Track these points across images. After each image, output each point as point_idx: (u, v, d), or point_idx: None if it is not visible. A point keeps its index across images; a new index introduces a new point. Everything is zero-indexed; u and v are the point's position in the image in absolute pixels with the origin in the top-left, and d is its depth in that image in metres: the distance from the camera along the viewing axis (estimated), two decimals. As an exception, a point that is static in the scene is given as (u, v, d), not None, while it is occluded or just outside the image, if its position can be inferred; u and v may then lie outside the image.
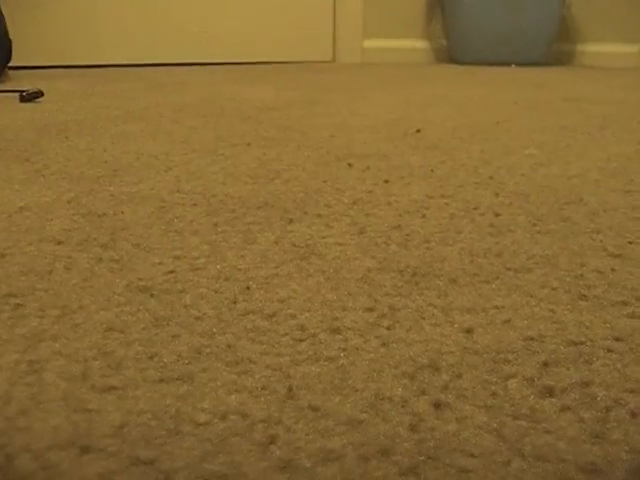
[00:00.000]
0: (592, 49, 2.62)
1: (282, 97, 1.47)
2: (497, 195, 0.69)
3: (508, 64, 2.41)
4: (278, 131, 1.04)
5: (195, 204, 0.65)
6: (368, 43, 2.52)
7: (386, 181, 0.72)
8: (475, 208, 0.64)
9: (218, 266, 0.49)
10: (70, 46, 2.39)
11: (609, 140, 1.02)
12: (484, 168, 0.81)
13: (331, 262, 0.50)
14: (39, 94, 1.46)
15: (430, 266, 0.50)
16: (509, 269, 0.50)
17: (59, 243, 0.56)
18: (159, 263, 0.50)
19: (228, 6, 2.44)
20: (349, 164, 0.81)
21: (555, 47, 2.53)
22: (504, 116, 1.24)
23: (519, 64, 2.41)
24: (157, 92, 1.60)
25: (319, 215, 0.61)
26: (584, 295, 0.46)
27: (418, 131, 1.04)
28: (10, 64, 1.98)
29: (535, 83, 1.91)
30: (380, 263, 0.50)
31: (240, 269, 0.49)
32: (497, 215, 0.63)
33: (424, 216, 0.61)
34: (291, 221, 0.59)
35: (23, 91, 1.45)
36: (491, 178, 0.75)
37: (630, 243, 0.56)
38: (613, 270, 0.50)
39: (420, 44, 2.58)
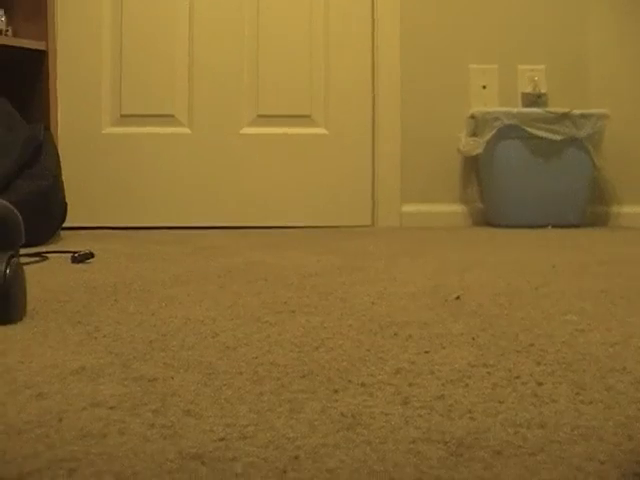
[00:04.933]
0: (626, 210, 2.67)
1: (323, 263, 1.51)
2: (539, 364, 0.70)
3: (544, 226, 2.45)
4: (321, 298, 1.07)
5: (242, 372, 0.66)
6: (406, 207, 2.59)
7: (427, 351, 0.74)
8: (517, 377, 0.65)
9: (267, 434, 0.51)
10: (117, 209, 2.51)
11: (649, 305, 1.03)
12: (525, 335, 0.82)
13: (377, 432, 0.51)
14: (89, 255, 1.53)
15: (475, 437, 0.50)
16: (553, 441, 0.50)
17: (112, 407, 0.57)
18: (210, 430, 0.52)
19: (266, 171, 2.56)
20: (391, 333, 0.83)
21: (590, 209, 2.59)
22: (542, 280, 1.26)
23: (555, 226, 2.46)
24: (200, 256, 1.66)
25: (363, 384, 0.62)
26: (637, 473, 0.46)
27: (458, 298, 1.06)
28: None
29: (572, 245, 1.95)
30: (424, 434, 0.51)
31: (287, 438, 0.50)
32: (539, 384, 0.63)
33: (467, 385, 0.62)
34: (336, 390, 0.61)
35: (75, 252, 1.52)
36: (532, 346, 0.76)
37: (678, 414, 0.56)
38: (662, 442, 0.50)
39: (457, 208, 2.65)
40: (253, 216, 2.53)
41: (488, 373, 0.66)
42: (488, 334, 0.83)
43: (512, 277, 1.30)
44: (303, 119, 2.58)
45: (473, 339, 0.80)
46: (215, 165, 2.54)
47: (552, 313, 0.96)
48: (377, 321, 0.90)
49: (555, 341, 0.79)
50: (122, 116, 2.53)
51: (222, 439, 0.50)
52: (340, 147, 2.58)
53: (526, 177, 2.50)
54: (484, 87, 2.68)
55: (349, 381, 0.64)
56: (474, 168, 2.65)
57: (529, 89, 2.67)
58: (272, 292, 1.14)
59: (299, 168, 2.57)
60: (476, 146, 2.50)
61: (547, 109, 2.52)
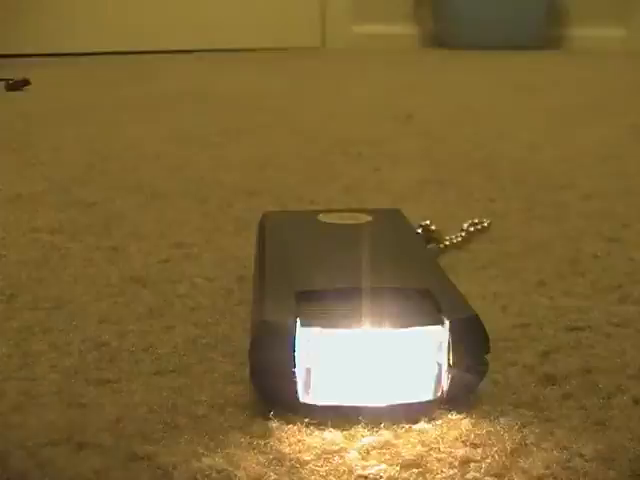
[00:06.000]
0: (581, 33, 2.62)
1: (272, 84, 1.46)
2: (491, 180, 0.69)
3: (498, 48, 2.40)
4: (269, 119, 1.03)
5: (187, 192, 0.64)
6: (357, 28, 2.50)
7: (378, 168, 0.72)
8: (469, 194, 0.63)
9: (212, 255, 0.49)
10: (55, 34, 2.38)
11: (601, 124, 1.02)
12: (477, 153, 0.80)
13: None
14: (26, 82, 1.45)
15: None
16: (505, 254, 0.49)
17: (53, 233, 0.55)
18: (153, 252, 0.50)
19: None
20: (341, 151, 0.81)
21: (544, 31, 2.53)
22: (495, 100, 1.23)
23: (509, 48, 2.41)
24: (144, 80, 1.59)
25: (312, 201, 0.60)
26: (582, 279, 0.46)
27: (410, 116, 1.03)
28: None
29: (526, 67, 1.91)
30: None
31: (234, 257, 0.48)
32: (491, 200, 0.62)
33: (418, 201, 0.61)
34: (284, 207, 0.59)
35: (9, 80, 1.43)
36: (484, 163, 0.75)
37: (625, 226, 0.56)
38: (609, 254, 0.50)
39: (409, 29, 2.57)
40: (202, 39, 2.42)
41: (440, 189, 0.64)
42: (440, 151, 0.81)
43: (465, 97, 1.28)
44: None
45: (425, 157, 0.78)
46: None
47: (505, 131, 0.94)
48: (327, 140, 0.87)
49: (508, 158, 0.78)
50: None
51: (166, 261, 0.48)
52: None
53: (481, -5, 2.41)
54: None
55: (299, 198, 0.62)
56: (427, -15, 2.55)
57: None
58: (219, 113, 1.09)
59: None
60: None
61: None
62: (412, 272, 0.35)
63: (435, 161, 0.77)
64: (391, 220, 0.43)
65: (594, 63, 2.09)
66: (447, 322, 0.30)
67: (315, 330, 0.30)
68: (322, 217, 0.42)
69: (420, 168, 0.73)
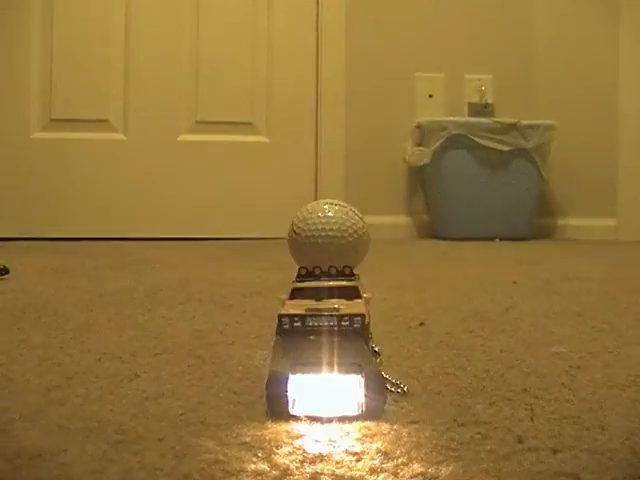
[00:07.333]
0: (572, 223, 2.61)
1: (265, 279, 1.36)
2: (539, 418, 0.55)
3: (491, 239, 2.36)
4: (264, 324, 0.91)
5: (162, 438, 0.50)
6: (351, 219, 2.47)
7: (399, 402, 0.59)
8: (519, 442, 0.50)
9: None
10: (46, 219, 2.34)
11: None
12: (512, 375, 0.67)
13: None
14: (4, 271, 1.38)
15: None
16: None
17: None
18: None
19: (204, 180, 2.42)
20: (352, 373, 0.68)
21: (536, 222, 2.51)
22: (509, 300, 1.13)
23: (502, 238, 2.37)
24: (131, 271, 1.49)
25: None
26: None
27: (422, 324, 0.92)
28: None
29: (526, 259, 1.85)
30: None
31: None
32: (554, 452, 0.48)
33: (459, 457, 0.47)
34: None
35: (-13, 268, 1.37)
36: (525, 391, 0.62)
37: None
38: None
39: (402, 220, 2.54)
40: (190, 227, 2.38)
41: (481, 437, 0.50)
42: (468, 374, 0.68)
43: (474, 296, 1.17)
44: (244, 126, 2.45)
45: (452, 383, 0.65)
46: (151, 173, 2.39)
47: (533, 343, 0.82)
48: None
49: (550, 382, 0.65)
50: (52, 120, 2.38)
51: None
52: (282, 156, 2.45)
53: (473, 188, 2.41)
54: (430, 96, 2.59)
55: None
56: (420, 179, 2.55)
57: (475, 99, 2.58)
58: (207, 316, 0.98)
59: (239, 177, 2.43)
60: (423, 156, 2.40)
61: (495, 119, 2.43)
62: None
63: (467, 389, 0.63)
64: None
65: (593, 254, 2.03)
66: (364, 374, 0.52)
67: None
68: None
69: (450, 401, 0.59)
